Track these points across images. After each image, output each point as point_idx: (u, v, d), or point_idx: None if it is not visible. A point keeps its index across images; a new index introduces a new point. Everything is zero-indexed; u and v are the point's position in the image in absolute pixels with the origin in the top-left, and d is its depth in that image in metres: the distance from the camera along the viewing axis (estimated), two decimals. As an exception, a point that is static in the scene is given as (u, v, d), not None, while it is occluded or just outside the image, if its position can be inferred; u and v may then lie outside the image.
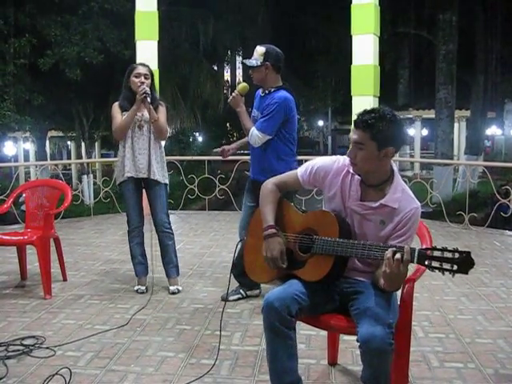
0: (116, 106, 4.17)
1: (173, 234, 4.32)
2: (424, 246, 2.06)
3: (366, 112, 2.26)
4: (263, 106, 3.81)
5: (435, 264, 2.01)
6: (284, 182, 2.60)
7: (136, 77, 4.06)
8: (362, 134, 2.24)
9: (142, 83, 4.02)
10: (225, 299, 3.93)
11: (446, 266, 1.99)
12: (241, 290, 4.08)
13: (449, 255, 1.99)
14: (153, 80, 4.17)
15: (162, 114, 4.15)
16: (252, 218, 2.71)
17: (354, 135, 2.28)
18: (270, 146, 3.81)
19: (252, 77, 3.90)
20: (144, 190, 4.27)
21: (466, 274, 1.98)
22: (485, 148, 25.04)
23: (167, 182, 4.27)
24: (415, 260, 2.05)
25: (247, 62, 3.86)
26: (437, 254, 2.01)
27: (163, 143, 4.35)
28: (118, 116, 4.13)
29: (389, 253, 2.07)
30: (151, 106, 4.03)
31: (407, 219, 2.28)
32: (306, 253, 2.38)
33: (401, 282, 2.19)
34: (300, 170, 2.55)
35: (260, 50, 3.81)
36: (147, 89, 4.00)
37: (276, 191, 2.56)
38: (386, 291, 2.26)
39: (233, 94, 3.90)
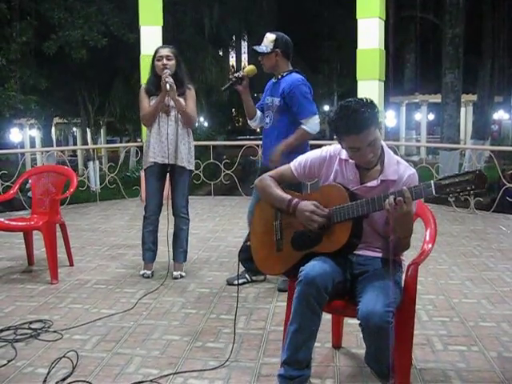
0: (143, 90, 4.15)
1: (189, 220, 4.32)
2: (439, 177, 2.13)
3: (349, 114, 2.22)
4: (280, 90, 3.82)
5: (453, 189, 2.06)
6: (280, 174, 2.60)
7: (158, 60, 4.03)
8: (369, 131, 2.23)
9: (165, 65, 3.97)
10: (230, 283, 3.97)
11: (463, 188, 2.05)
12: (246, 275, 4.10)
13: (462, 178, 2.05)
14: (178, 61, 4.10)
15: (190, 99, 4.11)
16: (253, 219, 2.72)
17: (361, 140, 2.24)
18: (290, 129, 3.82)
19: (262, 64, 3.91)
20: (168, 175, 4.26)
21: (484, 189, 2.05)
22: (492, 132, 24.90)
23: (192, 168, 4.26)
24: (433, 192, 2.09)
25: (258, 48, 3.87)
26: (450, 181, 2.07)
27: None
28: (145, 101, 4.11)
29: (390, 198, 2.14)
30: (177, 97, 3.98)
31: (407, 186, 2.30)
32: (319, 229, 2.39)
33: (410, 222, 2.25)
34: (294, 164, 2.57)
35: (270, 37, 3.85)
36: (170, 79, 3.92)
37: (274, 181, 2.57)
38: (399, 249, 2.34)
39: (240, 73, 3.92)
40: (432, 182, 2.11)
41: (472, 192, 2.05)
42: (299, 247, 2.45)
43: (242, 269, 4.09)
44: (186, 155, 4.15)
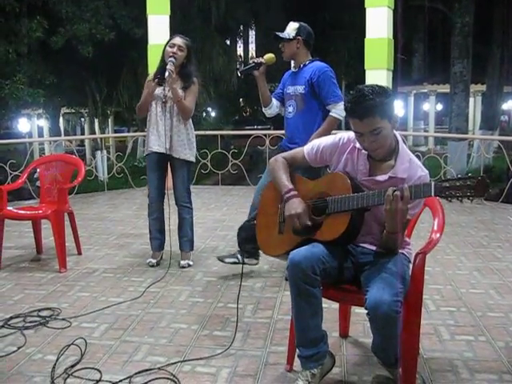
0: (149, 77, 4.19)
1: (191, 208, 4.34)
2: (439, 179, 2.10)
3: (357, 98, 2.20)
4: (304, 78, 3.86)
5: (453, 193, 2.03)
6: (292, 157, 2.62)
7: (170, 47, 4.05)
8: (373, 119, 2.20)
9: (174, 54, 4.01)
10: (221, 259, 4.00)
11: (464, 193, 2.02)
12: (238, 255, 4.01)
13: (463, 183, 2.02)
14: (190, 54, 4.13)
15: (191, 94, 4.13)
16: (261, 198, 2.75)
17: (364, 126, 2.22)
18: (318, 115, 3.87)
19: (283, 51, 3.95)
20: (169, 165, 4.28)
21: (483, 197, 2.02)
22: (501, 123, 24.69)
23: (192, 159, 4.27)
24: (433, 193, 2.07)
25: (280, 34, 3.91)
26: (451, 184, 2.04)
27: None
28: (144, 92, 4.16)
29: (389, 191, 2.15)
30: (175, 86, 4.00)
31: None
32: (321, 216, 2.40)
33: (401, 221, 2.21)
34: (306, 148, 2.57)
35: (293, 25, 3.92)
36: (171, 66, 3.96)
37: (286, 163, 2.59)
38: (393, 243, 2.30)
39: (259, 58, 3.97)
40: (432, 182, 2.09)
41: (471, 199, 2.01)
42: (298, 232, 2.46)
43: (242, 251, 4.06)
44: (183, 146, 4.16)
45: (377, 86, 2.26)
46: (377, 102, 2.19)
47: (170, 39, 4.11)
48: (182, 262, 4.27)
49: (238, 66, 21.35)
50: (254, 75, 3.98)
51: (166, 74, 3.94)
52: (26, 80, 12.92)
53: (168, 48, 4.05)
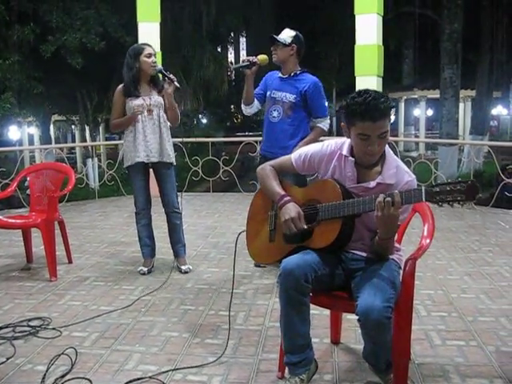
0: (119, 91, 4.14)
1: (181, 213, 4.35)
2: (430, 185, 2.10)
3: (370, 100, 2.16)
4: (296, 88, 3.99)
5: (443, 198, 2.03)
6: (280, 165, 2.61)
7: (148, 57, 4.06)
8: (384, 121, 2.20)
9: (155, 63, 4.07)
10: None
11: (454, 197, 2.01)
12: None
13: (453, 187, 2.01)
14: None
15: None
16: (251, 204, 2.74)
17: (375, 128, 2.19)
18: (303, 123, 4.05)
19: (274, 53, 4.04)
20: (152, 172, 4.28)
21: (474, 201, 2.01)
22: (490, 128, 24.87)
23: (175, 162, 4.30)
24: (423, 198, 2.06)
25: (278, 37, 4.00)
26: (442, 188, 2.03)
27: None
28: (118, 104, 4.14)
29: (380, 197, 2.13)
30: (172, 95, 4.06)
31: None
32: (312, 223, 2.39)
33: (394, 227, 2.21)
34: (294, 156, 2.55)
35: (290, 32, 4.03)
36: (172, 76, 4.02)
37: (274, 171, 2.58)
38: (385, 250, 2.31)
39: (253, 58, 4.04)
40: (423, 187, 2.08)
41: (462, 203, 2.00)
42: (290, 240, 2.46)
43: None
44: (171, 151, 4.21)
45: (376, 90, 2.26)
46: (388, 104, 2.19)
47: (143, 50, 4.07)
48: (184, 268, 4.27)
49: (228, 73, 21.36)
50: (246, 73, 4.07)
51: (176, 83, 4.02)
52: (12, 99, 12.84)
53: (147, 59, 4.04)
